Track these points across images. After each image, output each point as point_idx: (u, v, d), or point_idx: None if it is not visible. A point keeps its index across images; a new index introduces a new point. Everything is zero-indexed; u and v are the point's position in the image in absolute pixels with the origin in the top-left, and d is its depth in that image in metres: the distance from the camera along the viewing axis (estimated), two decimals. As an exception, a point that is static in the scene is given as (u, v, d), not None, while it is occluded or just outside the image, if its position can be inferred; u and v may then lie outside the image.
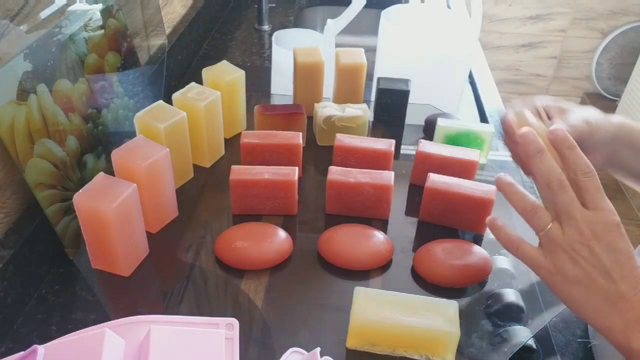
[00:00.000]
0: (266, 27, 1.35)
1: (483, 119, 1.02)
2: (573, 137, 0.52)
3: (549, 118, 0.65)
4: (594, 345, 0.62)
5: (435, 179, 0.71)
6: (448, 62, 0.98)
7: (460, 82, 1.02)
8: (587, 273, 0.48)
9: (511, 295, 0.62)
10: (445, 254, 0.65)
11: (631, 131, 0.64)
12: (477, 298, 0.63)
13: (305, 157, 0.81)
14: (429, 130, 0.91)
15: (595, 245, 0.48)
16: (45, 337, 0.54)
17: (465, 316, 0.60)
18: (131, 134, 0.74)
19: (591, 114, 0.63)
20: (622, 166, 0.67)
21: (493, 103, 1.06)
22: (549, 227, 0.50)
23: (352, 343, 0.57)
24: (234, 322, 0.49)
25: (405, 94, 0.90)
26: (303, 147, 0.79)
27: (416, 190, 0.78)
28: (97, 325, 0.47)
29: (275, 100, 1.02)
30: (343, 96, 0.93)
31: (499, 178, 0.54)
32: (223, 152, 0.85)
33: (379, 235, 0.68)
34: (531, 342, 0.58)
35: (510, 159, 0.88)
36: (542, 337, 0.60)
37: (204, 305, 0.61)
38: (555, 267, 0.50)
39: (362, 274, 0.66)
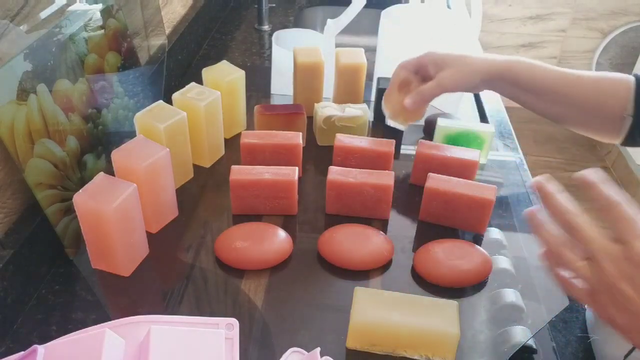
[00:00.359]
0: (266, 27, 1.35)
1: (483, 119, 1.02)
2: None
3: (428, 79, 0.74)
4: (594, 341, 0.62)
5: (435, 179, 0.71)
6: (448, 62, 0.98)
7: (460, 82, 1.02)
8: (635, 318, 0.41)
9: (511, 295, 0.62)
10: (445, 254, 0.65)
11: (516, 75, 0.70)
12: (477, 298, 0.63)
13: (305, 157, 0.81)
14: (429, 130, 0.91)
15: (625, 286, 0.40)
16: (45, 337, 0.54)
17: (465, 316, 0.60)
18: (131, 134, 0.74)
19: (452, 73, 0.72)
20: (503, 93, 0.75)
21: (493, 103, 1.06)
22: (578, 266, 0.43)
23: (352, 343, 0.57)
24: (234, 322, 0.49)
25: (405, 94, 0.90)
26: (303, 147, 0.79)
27: (416, 190, 0.78)
28: (97, 325, 0.47)
29: (275, 100, 1.02)
30: (343, 96, 0.93)
31: (529, 215, 0.47)
32: (223, 152, 0.85)
33: (379, 235, 0.68)
34: (531, 342, 0.58)
35: (510, 159, 0.88)
36: (542, 337, 0.60)
37: (204, 305, 0.61)
38: (605, 312, 0.43)
39: (362, 274, 0.65)
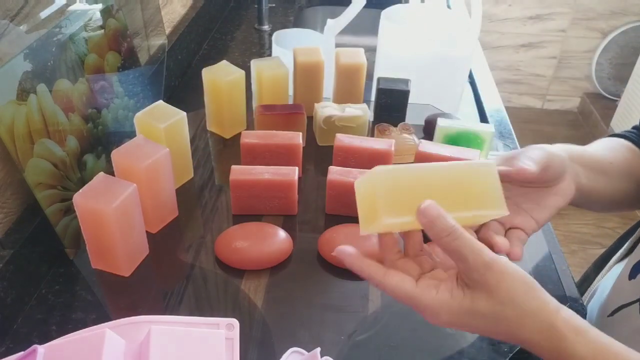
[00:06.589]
0: (266, 27, 1.35)
1: (483, 119, 1.02)
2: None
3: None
4: None
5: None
6: (448, 62, 0.98)
7: (460, 82, 1.02)
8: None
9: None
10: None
11: (581, 152, 0.60)
12: (477, 298, 0.63)
13: (305, 157, 0.81)
14: (429, 130, 0.91)
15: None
16: (45, 337, 0.54)
17: (465, 316, 0.60)
18: (131, 134, 0.74)
19: (533, 152, 0.53)
20: (585, 190, 0.58)
21: (493, 103, 1.06)
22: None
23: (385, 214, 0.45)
24: (234, 322, 0.49)
25: (405, 94, 0.90)
26: (303, 147, 0.79)
27: (416, 190, 0.78)
28: (97, 325, 0.47)
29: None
30: (343, 96, 0.93)
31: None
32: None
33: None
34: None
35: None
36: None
37: (204, 305, 0.61)
38: None
39: (362, 274, 0.65)
